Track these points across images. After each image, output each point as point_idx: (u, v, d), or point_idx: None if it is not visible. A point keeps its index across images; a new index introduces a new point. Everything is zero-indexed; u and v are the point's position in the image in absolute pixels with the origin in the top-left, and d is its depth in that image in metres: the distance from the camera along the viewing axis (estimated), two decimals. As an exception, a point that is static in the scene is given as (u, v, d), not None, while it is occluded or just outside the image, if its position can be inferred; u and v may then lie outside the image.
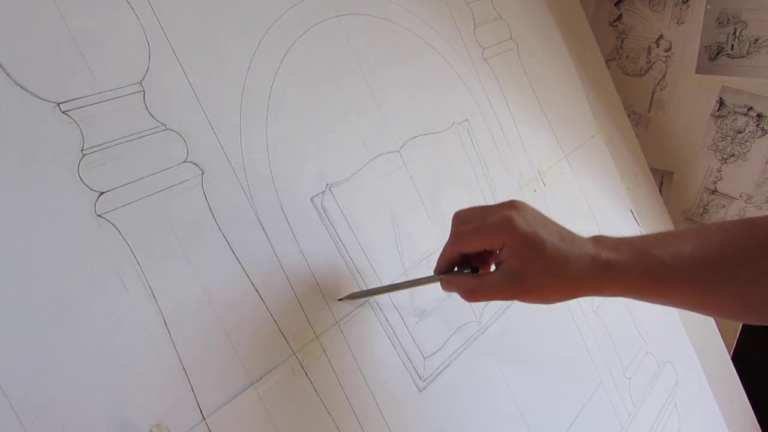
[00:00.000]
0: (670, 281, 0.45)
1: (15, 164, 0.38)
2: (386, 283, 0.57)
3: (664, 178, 1.10)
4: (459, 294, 0.49)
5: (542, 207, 0.77)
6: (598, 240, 0.47)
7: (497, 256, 0.46)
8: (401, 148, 0.63)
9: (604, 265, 0.45)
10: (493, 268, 0.49)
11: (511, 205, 0.47)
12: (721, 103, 0.96)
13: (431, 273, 0.51)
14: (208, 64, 0.49)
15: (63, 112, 0.41)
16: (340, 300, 0.54)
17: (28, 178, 0.39)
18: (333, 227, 0.55)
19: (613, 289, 0.46)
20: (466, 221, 0.48)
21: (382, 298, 0.57)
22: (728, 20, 0.90)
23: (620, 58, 1.06)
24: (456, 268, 0.50)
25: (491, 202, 0.71)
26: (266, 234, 0.50)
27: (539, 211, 0.48)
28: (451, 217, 0.49)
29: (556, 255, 0.45)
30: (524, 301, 0.48)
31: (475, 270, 0.49)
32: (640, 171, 1.02)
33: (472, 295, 0.48)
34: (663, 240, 0.47)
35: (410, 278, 0.53)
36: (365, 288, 0.56)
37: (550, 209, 0.78)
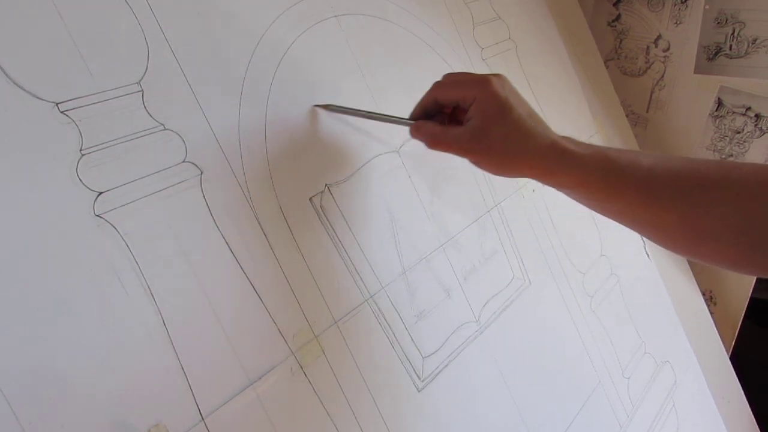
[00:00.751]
0: (621, 186, 0.45)
1: (13, 164, 0.38)
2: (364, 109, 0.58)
3: (662, 178, 1.10)
4: (423, 140, 0.51)
5: (541, 207, 0.77)
6: (564, 136, 0.48)
7: (468, 112, 0.48)
8: (400, 148, 0.63)
9: (561, 152, 0.46)
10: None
11: (497, 74, 0.49)
12: (720, 103, 0.96)
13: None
14: (207, 64, 0.49)
15: (61, 112, 0.41)
16: (315, 105, 0.55)
17: (26, 178, 0.39)
18: (332, 227, 0.55)
19: (563, 178, 0.48)
20: (450, 75, 0.51)
21: (382, 299, 0.57)
22: (727, 20, 0.90)
23: (619, 58, 1.06)
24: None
25: (490, 202, 0.71)
26: (265, 234, 0.50)
27: (518, 91, 0.49)
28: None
29: (519, 125, 0.47)
30: (478, 164, 0.50)
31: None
32: (639, 171, 1.02)
33: (434, 141, 0.50)
34: (625, 150, 0.48)
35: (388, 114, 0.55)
36: (345, 107, 0.57)
37: (548, 208, 0.78)
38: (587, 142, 0.49)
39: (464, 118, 0.49)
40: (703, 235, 0.44)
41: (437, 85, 0.51)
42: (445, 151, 0.50)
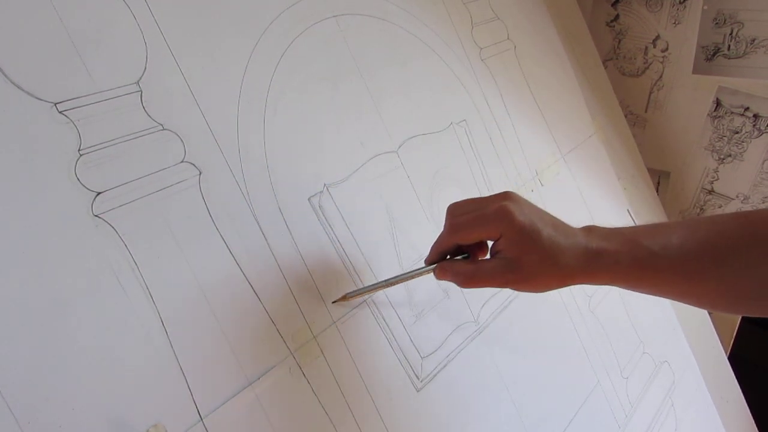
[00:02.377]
0: (658, 270, 0.46)
1: (12, 164, 0.38)
2: (382, 278, 0.56)
3: (661, 179, 1.10)
4: (454, 281, 0.49)
5: (540, 207, 0.77)
6: (590, 230, 0.48)
7: (494, 245, 0.48)
8: (399, 148, 0.63)
9: (596, 254, 0.47)
10: (488, 256, 0.50)
11: (506, 196, 0.48)
12: (718, 103, 0.97)
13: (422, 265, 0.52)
14: (206, 64, 0.49)
15: (60, 112, 0.41)
16: (334, 302, 0.54)
17: (24, 179, 0.39)
18: (330, 227, 0.55)
19: (603, 278, 0.48)
20: (461, 213, 0.49)
21: (380, 296, 0.57)
22: (725, 21, 0.91)
23: (617, 59, 1.06)
24: (448, 257, 0.51)
25: (489, 202, 0.71)
26: (264, 234, 0.50)
27: (531, 203, 0.49)
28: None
29: (551, 245, 0.46)
30: (518, 289, 0.49)
31: (467, 257, 0.50)
32: (637, 171, 1.02)
33: (469, 280, 0.49)
34: (652, 230, 0.48)
35: (404, 272, 0.53)
36: (359, 287, 0.55)
37: (547, 209, 0.78)
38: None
39: (490, 250, 0.49)
40: (745, 295, 0.45)
41: (455, 229, 0.49)
42: (482, 286, 0.49)
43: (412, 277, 0.52)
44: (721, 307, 0.49)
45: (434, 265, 0.51)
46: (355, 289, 0.54)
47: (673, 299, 0.51)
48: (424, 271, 0.51)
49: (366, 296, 0.56)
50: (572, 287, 0.78)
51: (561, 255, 0.46)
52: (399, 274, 0.53)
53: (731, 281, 0.44)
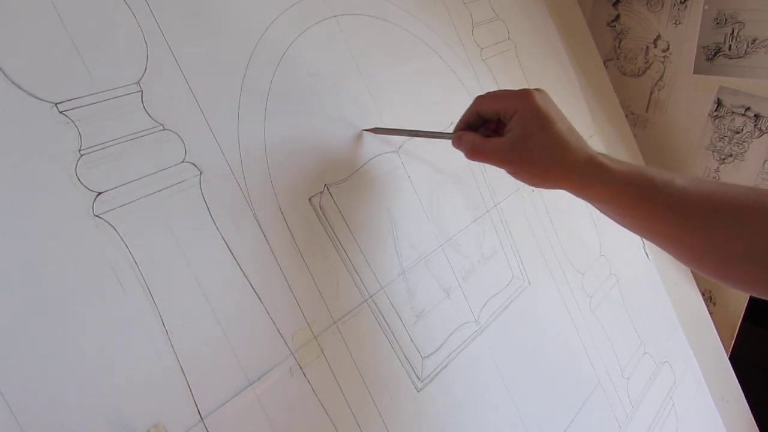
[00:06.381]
0: (654, 203, 0.46)
1: (12, 164, 0.38)
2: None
3: (661, 179, 1.10)
4: (463, 149, 0.53)
5: (540, 207, 0.77)
6: (601, 153, 0.50)
7: (508, 124, 0.49)
8: (399, 148, 0.63)
9: (598, 166, 0.48)
10: None
11: (538, 89, 0.50)
12: (719, 103, 0.97)
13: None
14: (206, 64, 0.49)
15: (60, 112, 0.41)
16: (365, 130, 0.58)
17: (25, 179, 0.39)
18: (331, 227, 0.55)
19: (598, 192, 0.49)
20: (493, 92, 0.52)
21: (382, 299, 0.57)
22: (726, 21, 0.90)
23: (618, 59, 1.06)
24: None
25: (489, 202, 0.71)
26: (264, 234, 0.50)
27: (557, 106, 0.51)
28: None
29: (559, 138, 0.48)
30: (515, 175, 0.51)
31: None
32: (638, 171, 1.02)
33: (474, 151, 0.52)
34: (660, 170, 0.49)
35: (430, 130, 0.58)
36: (391, 128, 0.59)
37: (548, 209, 0.78)
38: (606, 153, 0.50)
39: (505, 129, 0.50)
40: (733, 257, 0.44)
41: (479, 99, 0.52)
42: (485, 161, 0.52)
43: (435, 136, 0.57)
44: (706, 266, 0.48)
45: (456, 133, 0.54)
46: (386, 127, 0.59)
47: (658, 244, 0.51)
48: (446, 135, 0.55)
49: (388, 135, 0.60)
50: (570, 286, 0.78)
51: (566, 151, 0.48)
52: (427, 130, 0.58)
53: (724, 238, 0.44)
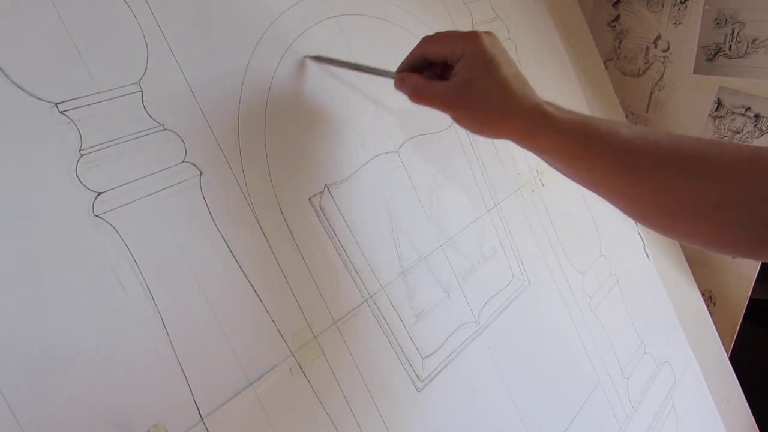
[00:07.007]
0: (599, 152, 0.45)
1: (13, 164, 0.38)
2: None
3: (662, 179, 1.10)
4: (407, 92, 0.50)
5: (540, 207, 0.77)
6: (547, 101, 0.48)
7: (454, 68, 0.47)
8: (399, 148, 0.63)
9: (542, 114, 0.46)
10: None
11: (487, 32, 0.48)
12: (719, 103, 0.97)
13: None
14: (206, 64, 0.49)
15: (61, 112, 0.41)
16: (306, 57, 0.55)
17: (25, 179, 0.39)
18: (331, 227, 0.55)
19: (543, 141, 0.47)
20: (440, 33, 0.50)
21: (382, 299, 0.57)
22: (726, 21, 0.90)
23: (618, 59, 1.06)
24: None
25: (489, 202, 0.71)
26: (264, 234, 0.50)
27: (506, 51, 0.49)
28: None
29: (504, 83, 0.46)
30: (459, 121, 0.49)
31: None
32: (638, 171, 1.01)
33: (417, 94, 0.49)
34: (607, 120, 0.47)
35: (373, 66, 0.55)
36: (334, 58, 0.57)
37: (548, 210, 0.78)
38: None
39: (451, 73, 0.48)
40: (678, 209, 0.43)
41: (426, 40, 0.50)
42: (427, 105, 0.50)
43: (378, 73, 0.54)
44: (651, 219, 0.47)
45: (398, 73, 0.51)
46: (330, 57, 0.56)
47: (604, 196, 0.49)
48: (388, 74, 0.53)
49: (331, 66, 0.57)
50: (571, 286, 0.78)
51: (510, 97, 0.46)
52: (370, 66, 0.55)
53: (669, 188, 0.42)
